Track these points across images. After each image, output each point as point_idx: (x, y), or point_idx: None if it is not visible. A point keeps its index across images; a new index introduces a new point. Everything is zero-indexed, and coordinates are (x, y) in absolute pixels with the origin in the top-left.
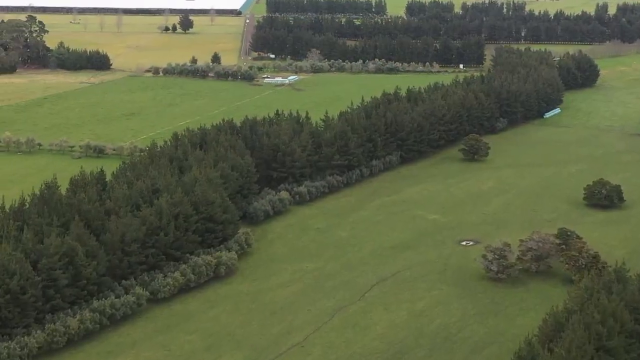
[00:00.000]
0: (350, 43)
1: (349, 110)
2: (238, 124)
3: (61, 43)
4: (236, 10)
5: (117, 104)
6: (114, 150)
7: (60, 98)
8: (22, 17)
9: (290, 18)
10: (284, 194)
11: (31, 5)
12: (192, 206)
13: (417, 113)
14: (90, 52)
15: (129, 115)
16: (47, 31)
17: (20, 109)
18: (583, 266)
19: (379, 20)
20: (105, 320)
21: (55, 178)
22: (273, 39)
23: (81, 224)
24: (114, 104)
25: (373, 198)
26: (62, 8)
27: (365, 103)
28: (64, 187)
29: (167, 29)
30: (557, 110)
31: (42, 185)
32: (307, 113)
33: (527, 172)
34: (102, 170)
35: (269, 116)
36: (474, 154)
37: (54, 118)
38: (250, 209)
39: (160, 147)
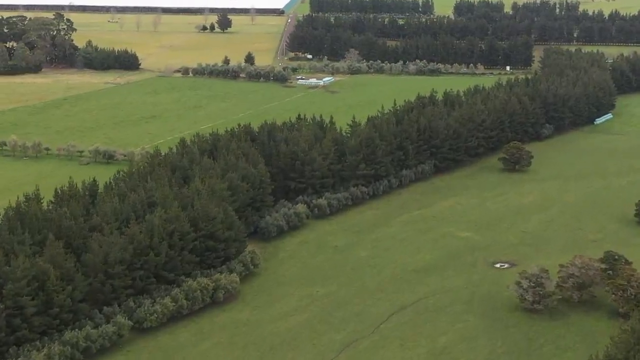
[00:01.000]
0: (391, 43)
1: (378, 114)
2: (255, 129)
3: (89, 42)
4: (279, 9)
5: (139, 105)
6: (125, 156)
7: (81, 99)
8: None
9: (332, 17)
10: (300, 207)
11: (71, 3)
12: (190, 222)
13: (454, 118)
14: (118, 51)
15: (149, 118)
16: (75, 29)
17: (36, 111)
18: (632, 297)
19: (424, 20)
20: (78, 354)
21: (38, 189)
22: (311, 39)
23: (58, 242)
24: (136, 106)
25: (401, 212)
26: (102, 7)
27: (398, 107)
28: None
29: (204, 28)
30: (608, 116)
31: (17, 198)
32: (331, 117)
33: (573, 184)
34: (94, 180)
35: (290, 121)
36: (515, 164)
37: (69, 121)
38: (262, 223)
39: (165, 154)
